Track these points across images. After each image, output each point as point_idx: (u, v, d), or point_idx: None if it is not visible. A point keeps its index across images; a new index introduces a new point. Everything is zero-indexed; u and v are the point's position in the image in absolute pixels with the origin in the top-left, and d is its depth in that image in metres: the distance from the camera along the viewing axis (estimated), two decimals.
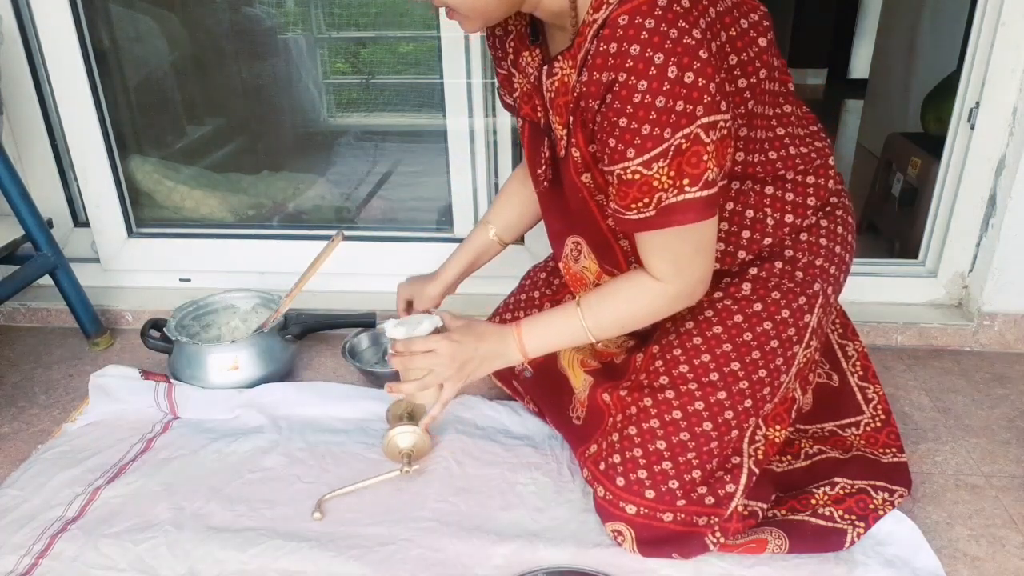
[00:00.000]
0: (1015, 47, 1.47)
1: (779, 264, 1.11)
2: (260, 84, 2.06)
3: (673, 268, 1.01)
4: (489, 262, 1.38)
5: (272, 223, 2.04)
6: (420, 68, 2.02)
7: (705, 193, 0.93)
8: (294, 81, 2.10)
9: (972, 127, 1.56)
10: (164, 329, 1.53)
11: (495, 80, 1.23)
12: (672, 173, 0.91)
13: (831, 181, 1.13)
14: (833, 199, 1.15)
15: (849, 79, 4.65)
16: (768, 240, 1.11)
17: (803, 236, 1.12)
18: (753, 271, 1.11)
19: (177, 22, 2.00)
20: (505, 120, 1.70)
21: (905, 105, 2.74)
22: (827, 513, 1.10)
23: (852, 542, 1.08)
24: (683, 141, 0.89)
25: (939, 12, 2.61)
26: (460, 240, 1.78)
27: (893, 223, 2.21)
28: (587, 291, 1.12)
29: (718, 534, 1.06)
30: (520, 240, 1.75)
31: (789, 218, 1.10)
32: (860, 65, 4.54)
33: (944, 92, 2.10)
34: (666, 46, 0.85)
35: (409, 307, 1.35)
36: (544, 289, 1.36)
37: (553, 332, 1.12)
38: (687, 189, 0.92)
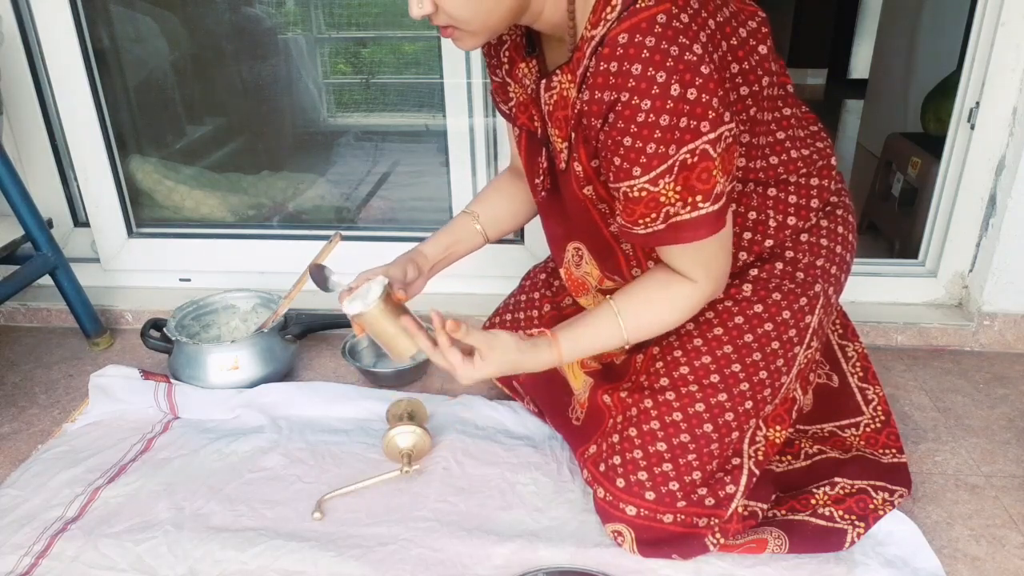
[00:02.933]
0: (1015, 47, 1.47)
1: (780, 265, 1.11)
2: (260, 84, 2.06)
3: (703, 270, 1.01)
4: (465, 256, 1.27)
5: (272, 223, 2.04)
6: (420, 68, 2.02)
7: (716, 207, 0.93)
8: (294, 81, 2.10)
9: (972, 127, 1.56)
10: (164, 329, 1.53)
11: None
12: (679, 188, 0.91)
13: (832, 182, 1.14)
14: (834, 199, 1.15)
15: (849, 79, 4.65)
16: (769, 242, 1.11)
17: (804, 237, 1.12)
18: (754, 272, 1.11)
19: (177, 22, 2.00)
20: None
21: (905, 105, 2.74)
22: (827, 513, 1.10)
23: (852, 542, 1.08)
24: (688, 156, 0.89)
25: (939, 12, 2.61)
26: None
27: (893, 223, 2.21)
28: (618, 294, 1.08)
29: (718, 535, 1.06)
30: (510, 239, 1.76)
31: (791, 220, 1.10)
32: (860, 65, 4.54)
33: (944, 92, 2.10)
34: (667, 64, 0.85)
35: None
36: (544, 290, 1.35)
37: (590, 337, 1.07)
38: (700, 205, 0.92)
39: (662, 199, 0.92)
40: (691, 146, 0.88)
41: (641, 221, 0.95)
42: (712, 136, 0.88)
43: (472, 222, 1.25)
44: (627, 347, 1.10)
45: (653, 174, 0.90)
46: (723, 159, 0.91)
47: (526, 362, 1.05)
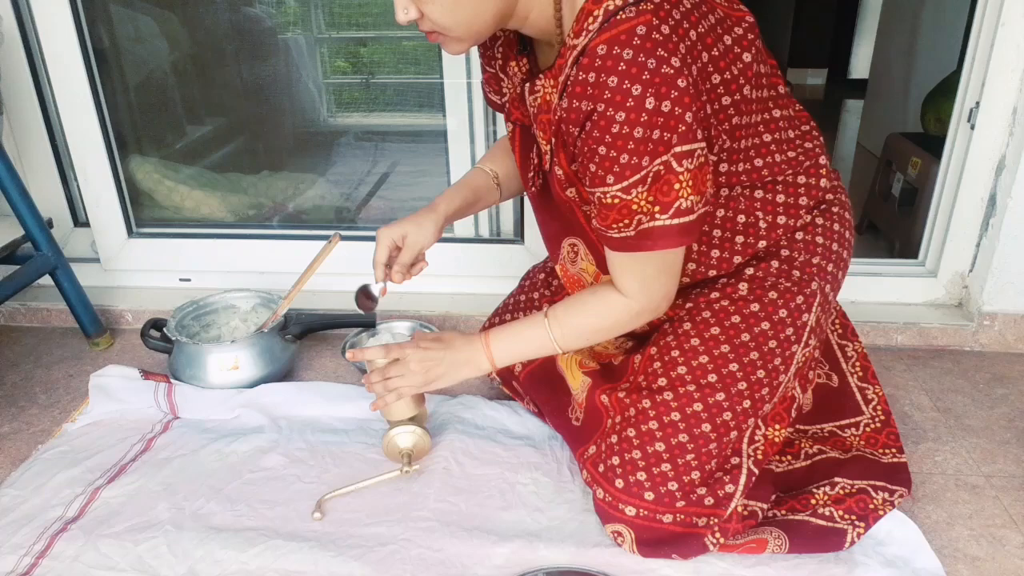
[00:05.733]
0: (1015, 47, 1.47)
1: (776, 263, 1.11)
2: (260, 84, 2.06)
3: (639, 286, 1.03)
4: (483, 209, 1.29)
5: (272, 223, 2.04)
6: (420, 67, 2.02)
7: (678, 221, 0.94)
8: (294, 81, 2.10)
9: (972, 127, 1.56)
10: (164, 329, 1.53)
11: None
12: (651, 198, 0.92)
13: (823, 179, 1.13)
14: (828, 196, 1.15)
15: (849, 79, 4.65)
16: (762, 243, 1.11)
17: (799, 235, 1.12)
18: (750, 271, 1.11)
19: (177, 22, 2.00)
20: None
21: (905, 105, 2.74)
22: (827, 513, 1.10)
23: (852, 542, 1.08)
24: (661, 168, 0.90)
25: (939, 12, 2.61)
26: (458, 240, 1.80)
27: (893, 223, 2.21)
28: (555, 304, 1.14)
29: (718, 535, 1.06)
30: (509, 238, 1.76)
31: (782, 219, 1.10)
32: (860, 65, 4.54)
33: (944, 92, 2.10)
34: (644, 77, 0.85)
35: (395, 256, 1.18)
36: (543, 290, 1.36)
37: (520, 341, 1.14)
38: (658, 216, 0.93)
39: (634, 207, 0.93)
40: (664, 158, 0.89)
41: (615, 226, 0.96)
42: (680, 150, 0.89)
43: (490, 179, 1.26)
44: (562, 352, 1.13)
45: (626, 183, 0.91)
46: (693, 176, 0.92)
47: (461, 355, 1.14)
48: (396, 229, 1.18)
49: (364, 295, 1.22)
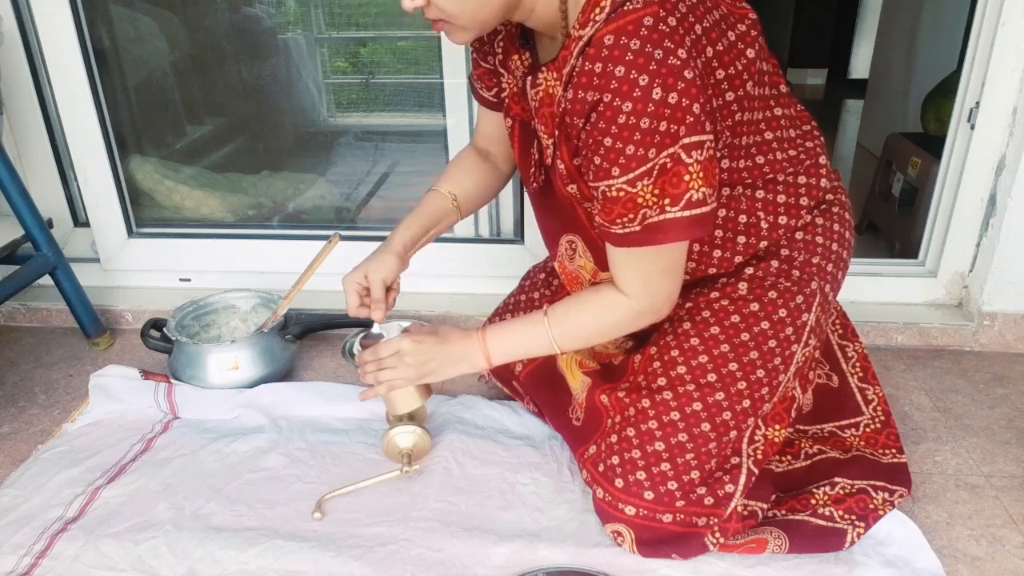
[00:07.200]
0: (1015, 47, 1.47)
1: (775, 263, 1.11)
2: (260, 84, 2.06)
3: (641, 284, 1.02)
4: (444, 231, 1.27)
5: (272, 223, 2.04)
6: (420, 67, 2.02)
7: (688, 213, 0.93)
8: (294, 81, 2.10)
9: (972, 127, 1.56)
10: (164, 329, 1.53)
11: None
12: (656, 191, 0.92)
13: (823, 179, 1.13)
14: (829, 196, 1.15)
15: (849, 79, 4.65)
16: (763, 243, 1.11)
17: (799, 235, 1.12)
18: (749, 271, 1.11)
19: (177, 22, 2.00)
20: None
21: (905, 105, 2.74)
22: (827, 513, 1.10)
23: (852, 542, 1.08)
24: (667, 160, 0.89)
25: (939, 12, 2.61)
26: (458, 240, 1.80)
27: (893, 223, 2.21)
28: (555, 303, 1.13)
29: (718, 534, 1.06)
30: (509, 238, 1.76)
31: (783, 220, 1.10)
32: (860, 65, 4.54)
33: (944, 92, 2.10)
34: (651, 68, 0.85)
35: (365, 297, 1.20)
36: (544, 290, 1.35)
37: (519, 340, 1.13)
38: (668, 209, 0.93)
39: (639, 200, 0.92)
40: (670, 150, 0.89)
41: (619, 221, 0.95)
42: (688, 141, 0.89)
43: (449, 202, 1.24)
44: (560, 352, 1.12)
45: (631, 175, 0.91)
46: (703, 168, 0.91)
47: (456, 351, 1.14)
48: (356, 272, 1.19)
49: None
